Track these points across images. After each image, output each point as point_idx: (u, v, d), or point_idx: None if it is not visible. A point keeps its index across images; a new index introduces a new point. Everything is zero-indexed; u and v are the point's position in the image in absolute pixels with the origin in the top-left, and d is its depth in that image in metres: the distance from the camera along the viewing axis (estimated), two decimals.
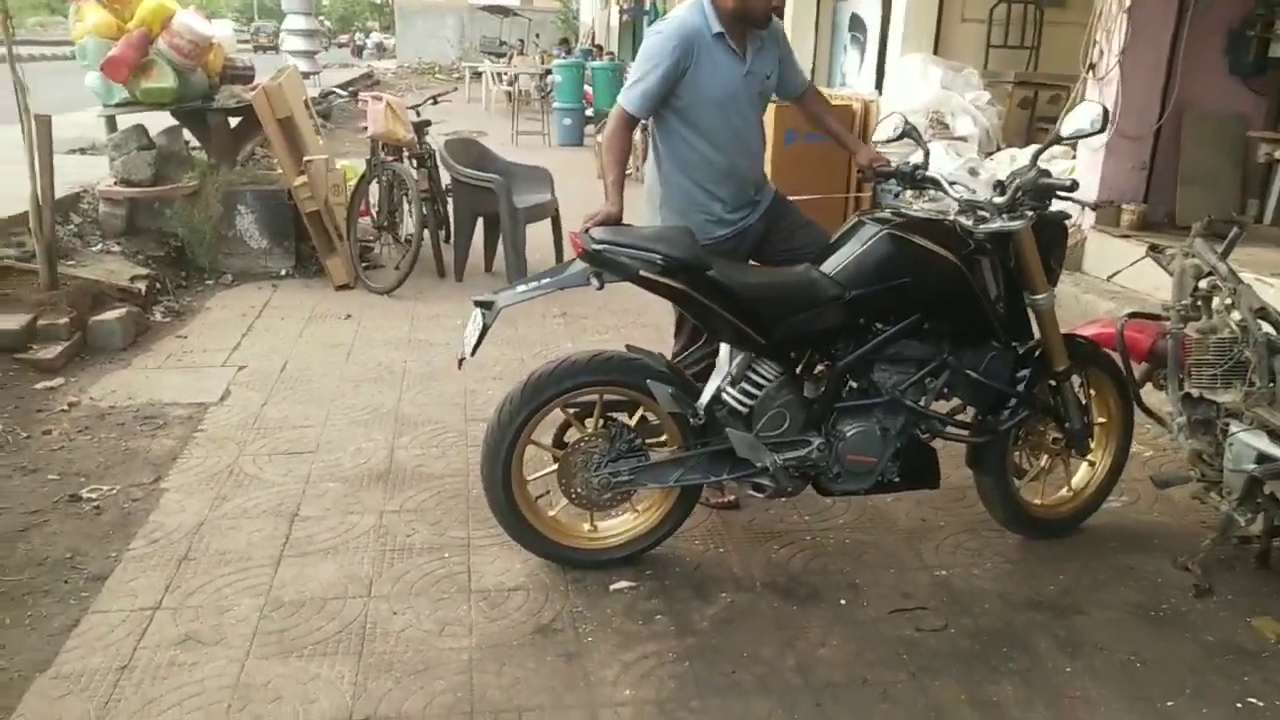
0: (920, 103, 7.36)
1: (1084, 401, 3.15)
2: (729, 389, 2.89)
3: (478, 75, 20.21)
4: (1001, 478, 3.13)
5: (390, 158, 6.44)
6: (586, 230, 2.78)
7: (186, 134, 7.24)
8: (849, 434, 2.86)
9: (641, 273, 2.66)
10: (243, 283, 6.25)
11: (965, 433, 3.06)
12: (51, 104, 5.30)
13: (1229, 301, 3.05)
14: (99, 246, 6.04)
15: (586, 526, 3.05)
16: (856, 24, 10.39)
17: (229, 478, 3.56)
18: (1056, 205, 2.96)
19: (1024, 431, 3.20)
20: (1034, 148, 6.73)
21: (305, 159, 6.27)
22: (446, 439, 3.94)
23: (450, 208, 6.71)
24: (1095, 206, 2.86)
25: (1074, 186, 2.83)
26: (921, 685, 2.54)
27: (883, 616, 2.84)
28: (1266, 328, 2.93)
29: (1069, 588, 3.00)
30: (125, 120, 6.71)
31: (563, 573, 2.99)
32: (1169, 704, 2.50)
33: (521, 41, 23.31)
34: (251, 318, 5.47)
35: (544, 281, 2.75)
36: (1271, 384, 2.85)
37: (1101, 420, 3.31)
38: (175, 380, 4.51)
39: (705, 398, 2.84)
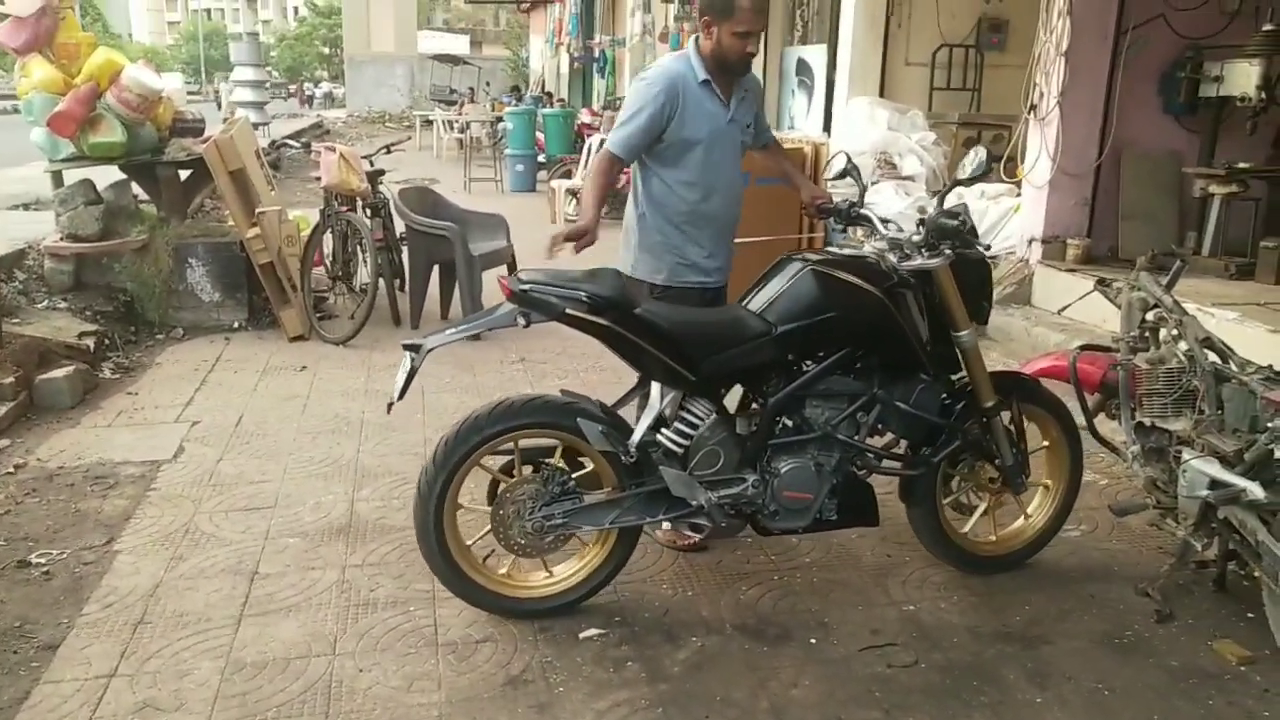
0: (868, 144, 7.54)
1: (1016, 437, 3.15)
2: (663, 429, 2.90)
3: (429, 123, 20.27)
4: (931, 510, 3.14)
5: (344, 207, 6.41)
6: (552, 250, 2.92)
7: (135, 188, 7.16)
8: (784, 471, 2.86)
9: (568, 311, 2.68)
10: (194, 336, 6.15)
11: (899, 466, 3.09)
12: None
13: (1175, 332, 3.14)
14: (45, 303, 5.92)
15: (542, 575, 3.03)
16: (803, 68, 10.62)
17: (185, 537, 3.48)
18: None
19: (961, 469, 3.22)
20: (981, 186, 6.91)
21: (258, 210, 6.22)
22: (408, 490, 3.88)
23: (405, 256, 6.69)
24: (987, 247, 2.95)
25: (965, 226, 2.90)
26: None
27: (853, 654, 2.84)
28: (1212, 357, 3.02)
29: (1035, 618, 3.03)
30: (72, 175, 6.62)
31: (531, 622, 2.96)
32: None
33: (472, 89, 23.47)
34: (204, 372, 5.39)
35: (473, 323, 2.82)
36: (1220, 411, 2.92)
37: (1045, 446, 3.37)
38: (126, 438, 4.41)
39: (636, 436, 2.83)
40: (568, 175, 11.23)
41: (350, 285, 6.60)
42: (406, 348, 2.72)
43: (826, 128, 9.14)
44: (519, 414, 2.79)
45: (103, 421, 4.65)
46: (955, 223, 2.85)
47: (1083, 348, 3.49)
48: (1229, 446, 2.83)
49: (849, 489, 2.98)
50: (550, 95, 21.15)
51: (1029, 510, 3.38)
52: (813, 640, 2.91)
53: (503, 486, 2.88)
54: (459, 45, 31.19)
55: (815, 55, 10.29)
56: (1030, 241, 6.18)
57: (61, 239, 6.20)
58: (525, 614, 2.96)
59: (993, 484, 3.24)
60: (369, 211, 6.53)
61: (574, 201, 10.69)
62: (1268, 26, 5.47)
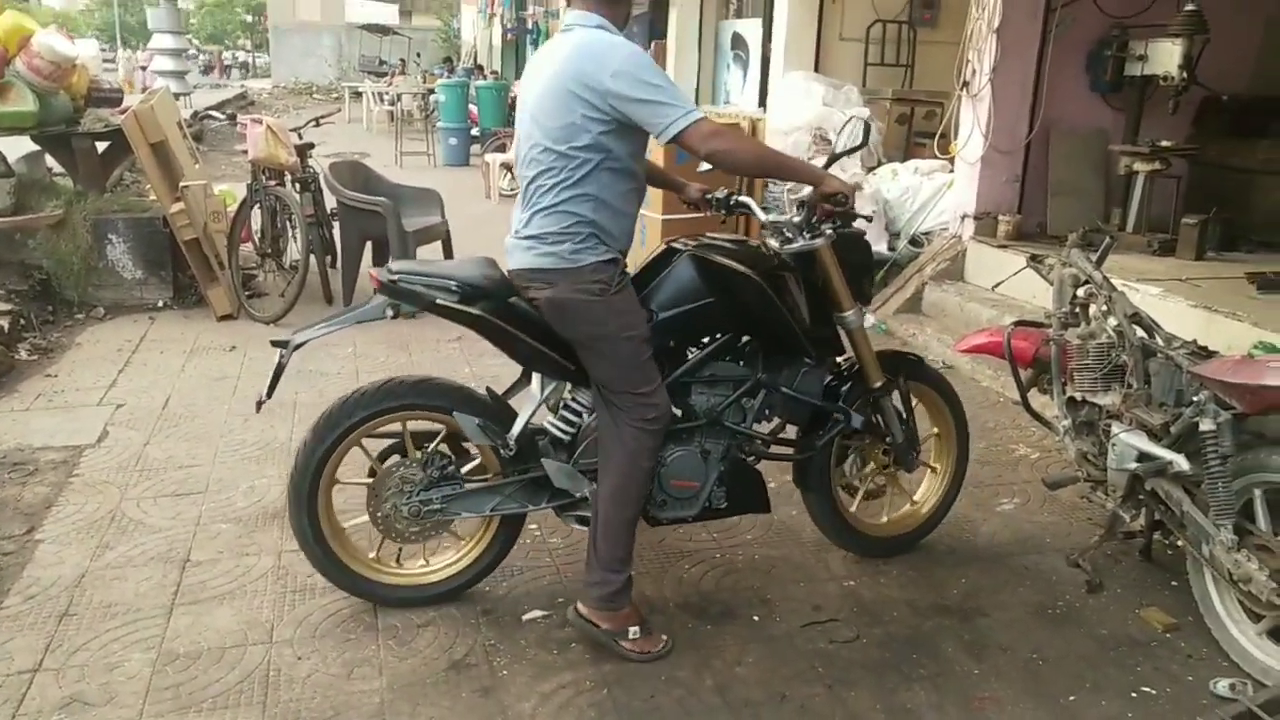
0: (803, 119, 7.56)
1: (905, 416, 3.15)
2: (550, 417, 2.87)
3: (358, 95, 19.85)
4: (825, 494, 3.12)
5: (273, 182, 6.24)
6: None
7: (50, 160, 6.87)
8: (670, 459, 2.80)
9: (438, 301, 2.62)
10: (117, 316, 5.94)
11: (788, 451, 3.08)
12: None
13: (1105, 308, 3.20)
14: None
15: (419, 562, 2.98)
16: (739, 42, 10.60)
17: (111, 524, 3.36)
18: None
19: (852, 450, 3.19)
20: (914, 163, 6.99)
21: (181, 184, 6.02)
22: None
23: (337, 232, 6.54)
24: (869, 219, 2.88)
25: (846, 204, 2.81)
26: (838, 697, 2.57)
27: (796, 630, 2.87)
28: (1140, 332, 3.09)
29: (971, 591, 3.10)
30: None
31: (473, 605, 2.93)
32: (1070, 699, 2.59)
33: (403, 61, 22.99)
34: (128, 352, 5.21)
35: (343, 316, 2.76)
36: (1147, 385, 3.00)
37: (936, 431, 3.36)
38: (46, 422, 4.25)
39: (517, 427, 2.77)
40: (502, 149, 11.08)
41: (280, 262, 6.43)
42: (274, 344, 2.67)
43: (762, 102, 9.15)
44: (400, 395, 2.74)
45: (20, 405, 4.47)
46: (832, 203, 2.76)
47: (1016, 324, 3.55)
48: (1156, 420, 2.91)
49: (738, 476, 2.93)
50: (482, 68, 20.84)
51: (916, 495, 3.38)
52: (755, 617, 2.93)
53: (381, 469, 2.82)
54: (388, 15, 30.48)
55: (750, 29, 10.28)
56: (963, 218, 6.27)
57: None
58: (399, 602, 2.89)
59: (885, 464, 3.21)
60: (298, 186, 6.36)
61: (508, 175, 10.56)
62: (1189, 6, 5.59)
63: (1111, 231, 3.63)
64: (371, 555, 2.92)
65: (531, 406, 2.84)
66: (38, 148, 6.75)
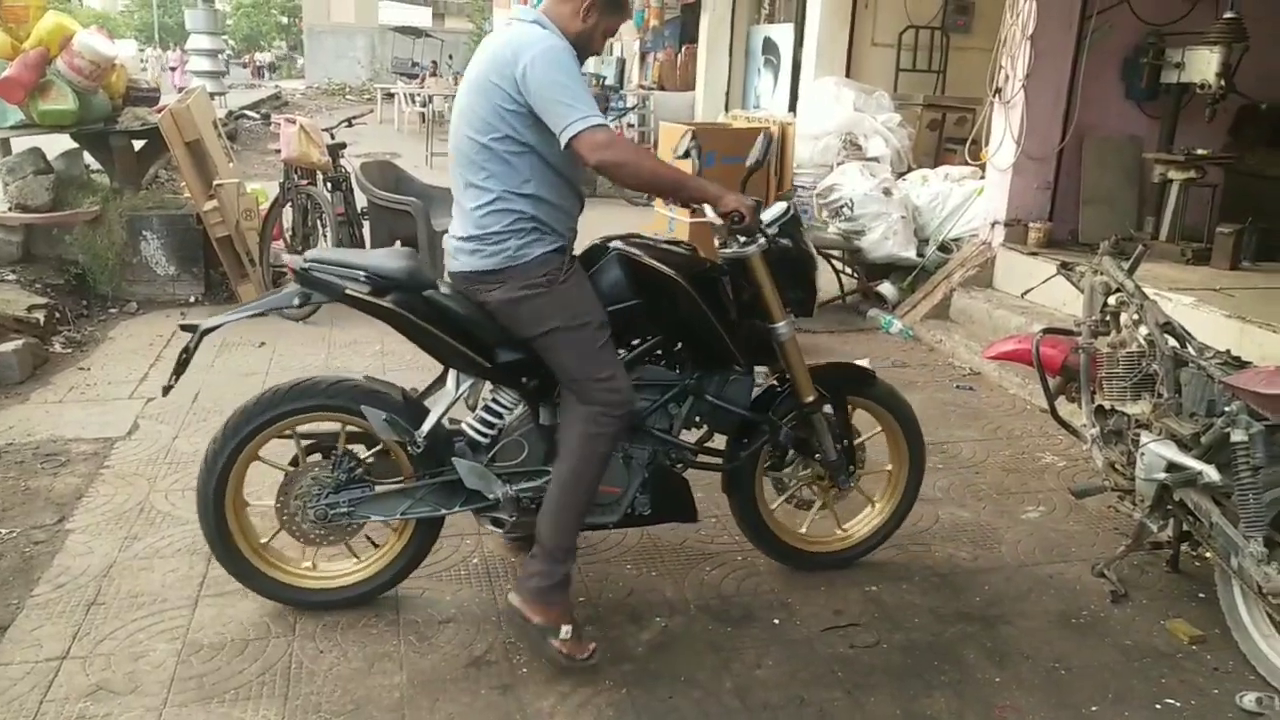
0: (834, 124, 7.54)
1: (839, 432, 3.01)
2: (469, 416, 2.81)
3: (390, 96, 19.97)
4: (749, 504, 3.04)
5: (304, 181, 6.30)
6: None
7: (87, 157, 6.98)
8: None
9: (348, 291, 2.58)
10: (149, 311, 6.02)
11: (717, 460, 2.99)
12: None
13: (1136, 317, 3.17)
14: None
15: (337, 565, 2.92)
16: (770, 47, 10.60)
17: (139, 515, 3.41)
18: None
19: (790, 464, 3.10)
20: (945, 169, 6.95)
21: (215, 182, 6.09)
22: None
23: (367, 231, 6.60)
24: (770, 240, 2.64)
25: (786, 215, 2.81)
26: (857, 702, 2.55)
27: (816, 635, 2.85)
28: (1172, 341, 3.06)
29: (994, 598, 3.07)
30: (20, 143, 6.43)
31: (494, 603, 2.94)
32: (1093, 709, 2.56)
33: (435, 63, 23.10)
34: (159, 347, 5.28)
35: (255, 304, 2.76)
36: (1178, 395, 2.96)
37: (889, 468, 3.25)
38: (78, 414, 4.31)
39: (426, 427, 2.70)
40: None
41: None
42: (183, 328, 2.66)
43: (792, 107, 9.14)
44: (311, 396, 2.69)
45: (53, 397, 4.54)
46: (731, 220, 2.61)
47: (1045, 331, 3.52)
48: (1186, 430, 2.87)
49: (663, 484, 2.85)
50: None
51: (847, 523, 3.25)
52: (776, 621, 2.92)
53: (290, 471, 2.77)
54: (421, 17, 30.73)
55: (782, 34, 10.28)
56: (993, 224, 6.22)
57: (10, 209, 6.03)
58: (311, 605, 2.84)
59: (822, 479, 3.11)
60: (330, 185, 6.41)
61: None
62: (1228, 14, 5.52)
63: (1144, 240, 3.59)
64: (269, 546, 2.87)
65: (445, 403, 2.76)
66: (76, 145, 6.85)
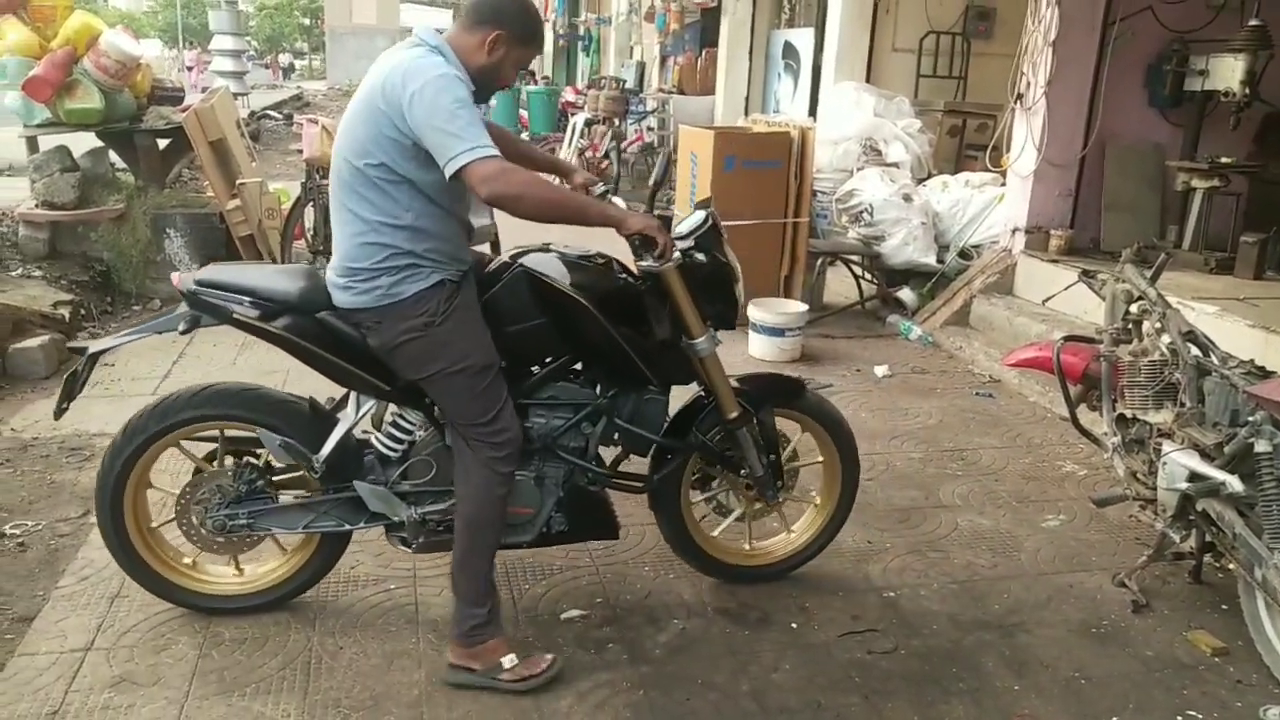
0: (854, 129, 7.52)
1: (765, 446, 2.90)
2: (376, 434, 2.76)
3: None
4: (677, 520, 2.97)
5: (326, 181, 6.31)
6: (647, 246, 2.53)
7: (113, 156, 7.05)
8: None
9: (235, 316, 2.51)
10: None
11: (633, 482, 2.89)
12: None
13: (1159, 325, 3.16)
14: (19, 271, 5.83)
15: (235, 571, 2.87)
16: (790, 52, 10.59)
17: (163, 510, 3.43)
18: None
19: (718, 479, 3.04)
20: (965, 175, 6.93)
21: (238, 181, 6.15)
22: None
23: None
24: (687, 255, 2.54)
25: (705, 226, 2.70)
26: (875, 708, 2.55)
27: (833, 640, 2.85)
28: (1195, 350, 3.04)
29: (1014, 607, 3.06)
30: (47, 141, 6.51)
31: (512, 602, 2.95)
32: (1113, 719, 2.55)
33: None
34: (182, 344, 5.31)
35: (141, 327, 2.70)
36: (1201, 405, 2.95)
37: (817, 495, 3.17)
38: (103, 410, 4.35)
39: (327, 447, 2.64)
40: (551, 153, 11.16)
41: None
42: (71, 350, 2.62)
43: (812, 112, 9.12)
44: (214, 404, 2.64)
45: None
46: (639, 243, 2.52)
47: (1066, 338, 3.51)
48: (1209, 440, 2.86)
49: (579, 503, 2.78)
50: (533, 73, 20.99)
51: (793, 526, 3.18)
52: (793, 625, 2.92)
53: (192, 478, 2.73)
54: (442, 19, 30.84)
55: (802, 39, 10.26)
56: (1014, 231, 6.20)
57: (36, 206, 6.11)
58: (211, 610, 2.80)
59: (750, 492, 3.01)
60: None
61: (557, 180, 10.62)
62: (1253, 22, 5.48)
63: (1167, 248, 3.57)
64: (186, 561, 2.84)
65: (345, 426, 2.69)
66: (102, 144, 6.92)
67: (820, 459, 3.12)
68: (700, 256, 2.69)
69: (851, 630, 2.89)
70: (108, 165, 6.90)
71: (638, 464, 2.91)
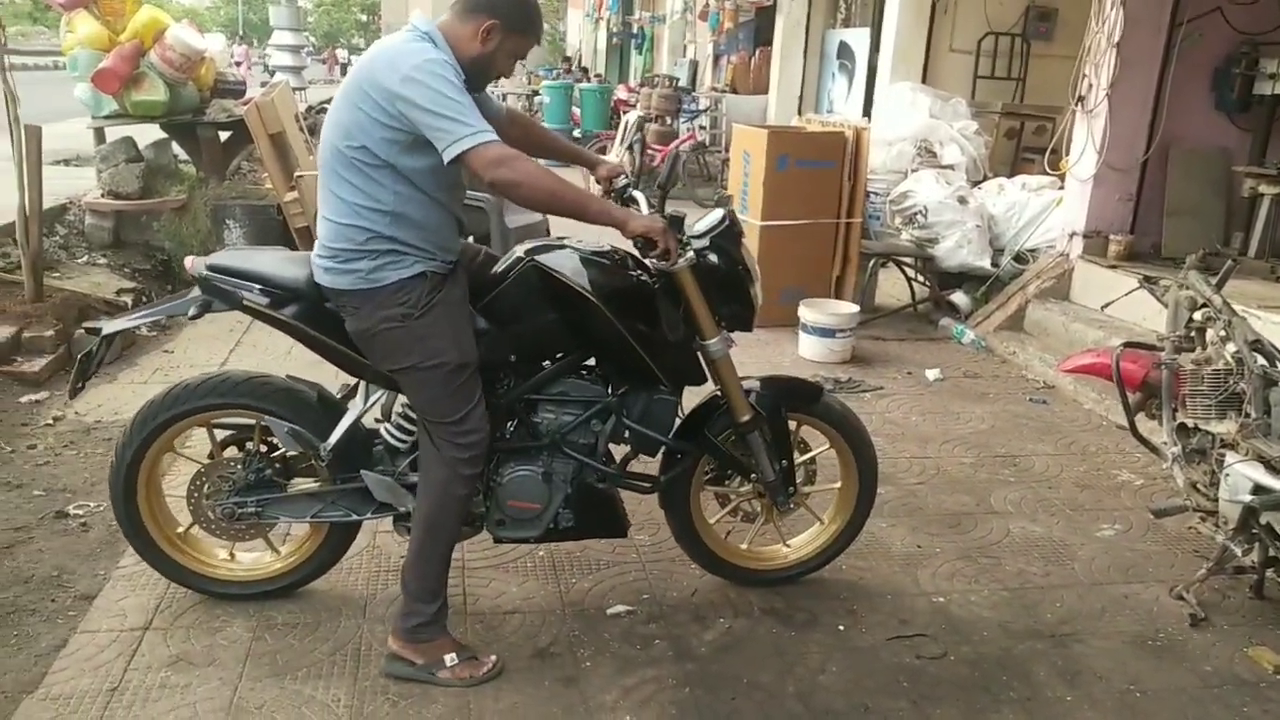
0: (909, 130, 7.45)
1: (777, 451, 2.85)
2: (385, 424, 2.74)
3: None
4: (687, 521, 2.94)
5: None
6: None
7: (175, 147, 7.21)
8: (507, 479, 2.65)
9: (244, 302, 2.53)
10: None
11: (642, 482, 2.85)
12: (36, 115, 5.23)
13: (1224, 333, 3.08)
14: (85, 259, 5.99)
15: (253, 556, 2.92)
16: (845, 52, 10.51)
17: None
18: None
19: (727, 481, 3.00)
20: (1022, 178, 6.83)
21: (296, 174, 6.24)
22: None
23: None
24: (695, 257, 2.43)
25: (722, 225, 2.67)
26: (923, 713, 2.52)
27: (881, 643, 2.83)
28: (1261, 360, 2.96)
29: (1067, 616, 3.00)
30: (114, 132, 6.67)
31: (559, 596, 2.97)
32: None
33: None
34: (239, 333, 5.42)
35: (154, 309, 2.74)
36: (1267, 415, 2.87)
37: (836, 485, 3.09)
38: None
39: (335, 436, 2.64)
40: (603, 151, 11.19)
41: None
42: (86, 330, 2.64)
43: (867, 112, 9.05)
44: (223, 393, 2.66)
45: (139, 378, 4.69)
46: (643, 245, 2.49)
47: (1126, 345, 3.44)
48: (1275, 451, 2.78)
49: (587, 501, 2.74)
50: (586, 71, 21.07)
51: (792, 540, 3.13)
52: (841, 627, 2.90)
53: (206, 464, 2.76)
54: None
55: (858, 39, 10.19)
56: (1071, 236, 6.09)
57: (102, 195, 6.26)
58: (223, 596, 2.84)
59: (762, 495, 2.97)
60: None
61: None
62: None
63: (1232, 255, 3.47)
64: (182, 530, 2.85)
65: (353, 415, 2.69)
66: (165, 135, 7.08)
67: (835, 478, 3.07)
68: (714, 257, 2.64)
69: (900, 634, 2.87)
70: (171, 157, 7.06)
71: (651, 463, 2.89)
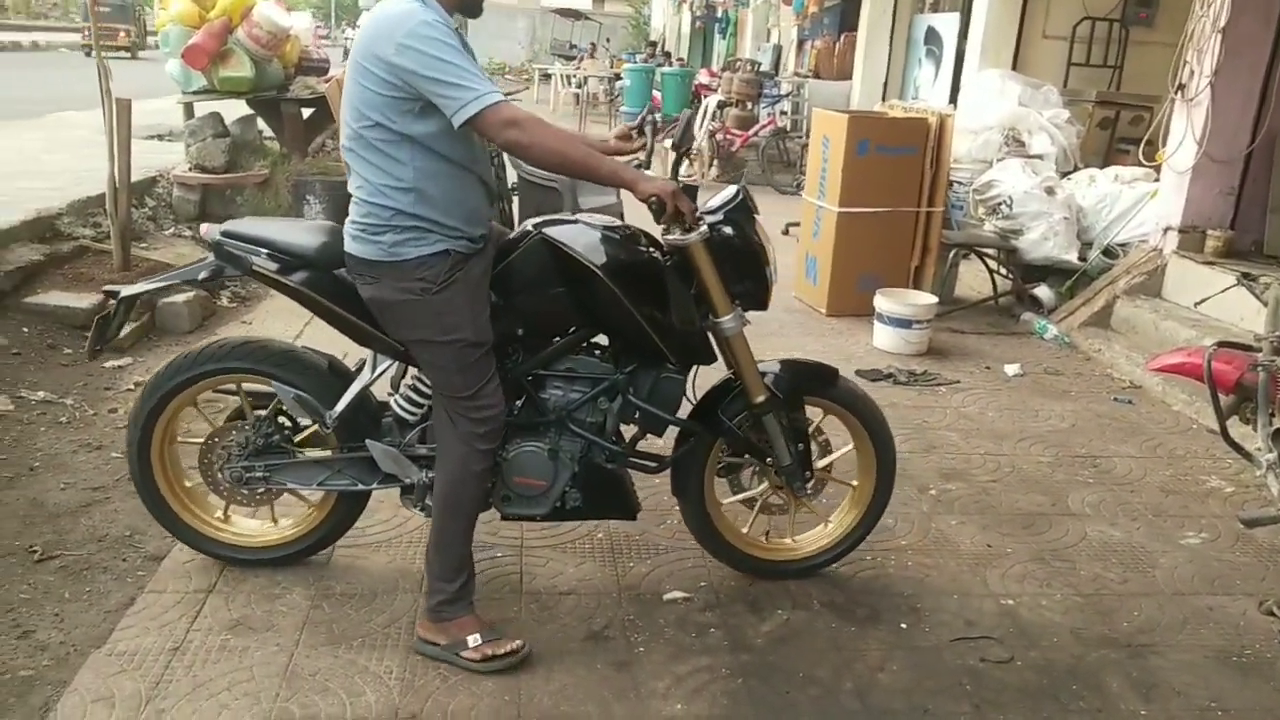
0: (996, 119, 7.22)
1: (793, 435, 2.78)
2: (396, 395, 2.74)
3: (547, 77, 20.32)
4: (699, 506, 2.86)
5: None
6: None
7: (260, 123, 7.35)
8: (512, 455, 2.62)
9: (254, 267, 2.54)
10: None
11: (648, 462, 2.79)
12: (131, 90, 5.38)
13: None
14: (171, 230, 6.15)
15: (256, 523, 2.95)
16: (933, 37, 10.24)
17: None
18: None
19: (741, 466, 2.93)
20: (1115, 169, 6.57)
21: None
22: None
23: (515, 206, 6.71)
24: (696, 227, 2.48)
25: (735, 200, 2.62)
26: (985, 719, 2.43)
27: (945, 644, 2.73)
28: None
29: (1145, 626, 2.87)
30: (202, 108, 6.83)
31: (615, 579, 2.94)
32: None
33: (593, 45, 23.43)
34: None
35: (170, 275, 2.75)
36: None
37: (854, 483, 3.00)
38: None
39: (342, 404, 2.65)
40: (692, 136, 11.11)
41: None
42: (105, 293, 2.67)
43: (953, 100, 8.80)
44: (235, 357, 2.69)
45: None
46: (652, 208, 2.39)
47: (1219, 345, 3.26)
48: None
49: (594, 480, 2.70)
50: (668, 55, 20.96)
51: (798, 536, 3.05)
52: (903, 625, 2.81)
53: (219, 426, 2.80)
54: (582, 0, 31.13)
55: (946, 24, 9.91)
56: (1165, 230, 5.82)
57: (190, 169, 6.42)
58: (237, 561, 2.87)
59: (779, 484, 2.89)
60: None
61: (685, 162, 10.56)
62: None
63: None
64: (218, 515, 2.90)
65: (360, 384, 2.69)
66: (251, 111, 7.22)
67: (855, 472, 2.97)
68: (729, 230, 2.60)
69: (965, 636, 2.77)
70: (256, 132, 7.20)
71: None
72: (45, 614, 2.66)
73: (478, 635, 2.52)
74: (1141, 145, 6.22)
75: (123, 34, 23.74)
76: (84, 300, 4.76)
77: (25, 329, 4.61)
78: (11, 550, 2.96)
